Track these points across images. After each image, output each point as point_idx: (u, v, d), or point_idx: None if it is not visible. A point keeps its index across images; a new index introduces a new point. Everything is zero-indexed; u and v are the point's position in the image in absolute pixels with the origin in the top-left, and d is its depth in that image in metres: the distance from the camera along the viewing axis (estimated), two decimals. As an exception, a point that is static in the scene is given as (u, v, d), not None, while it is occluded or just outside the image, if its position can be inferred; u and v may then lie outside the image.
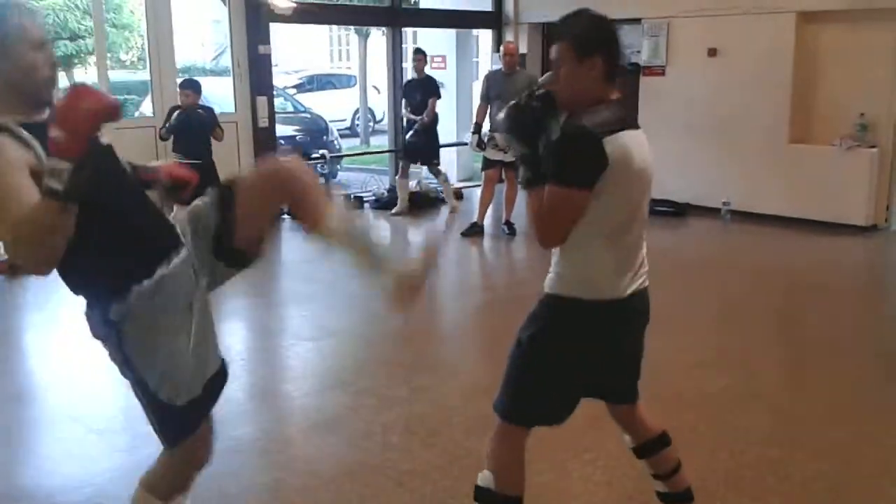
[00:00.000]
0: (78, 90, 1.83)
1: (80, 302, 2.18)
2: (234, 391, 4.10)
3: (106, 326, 2.12)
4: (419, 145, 8.88)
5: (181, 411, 2.16)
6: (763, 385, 4.22)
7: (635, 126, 2.27)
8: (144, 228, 2.20)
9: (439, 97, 8.96)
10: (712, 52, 8.64)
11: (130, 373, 2.16)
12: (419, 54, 9.12)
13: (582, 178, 2.10)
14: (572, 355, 2.28)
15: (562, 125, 2.16)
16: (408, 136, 9.06)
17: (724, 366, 4.44)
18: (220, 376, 2.28)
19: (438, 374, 4.34)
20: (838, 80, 8.00)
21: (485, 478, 2.37)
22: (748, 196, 8.42)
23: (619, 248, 2.25)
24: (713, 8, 8.50)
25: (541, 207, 2.18)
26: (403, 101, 9.21)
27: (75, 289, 2.16)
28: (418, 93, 8.86)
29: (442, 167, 9.30)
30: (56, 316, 5.28)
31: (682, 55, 8.95)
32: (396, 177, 9.26)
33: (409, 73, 10.14)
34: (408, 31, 14.42)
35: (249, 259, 2.38)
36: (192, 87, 7.15)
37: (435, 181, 9.53)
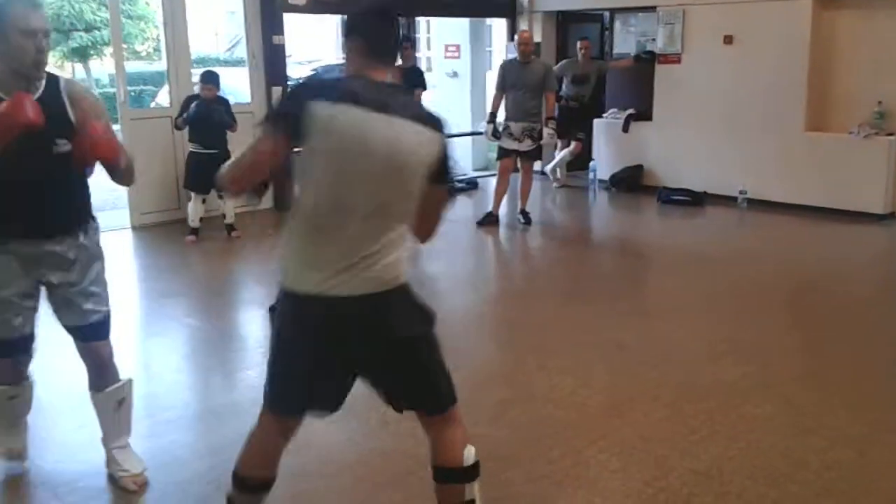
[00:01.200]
0: (14, 98, 2.38)
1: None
2: (252, 378, 4.14)
3: None
4: None
5: None
6: (779, 374, 4.21)
7: (391, 111, 2.08)
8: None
9: (425, 89, 8.43)
10: (728, 40, 8.58)
11: None
12: (406, 42, 8.62)
13: (274, 122, 2.08)
14: (286, 343, 2.29)
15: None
16: None
17: (740, 354, 4.43)
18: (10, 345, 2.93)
19: (452, 362, 4.33)
20: (855, 67, 7.94)
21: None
22: (765, 184, 8.37)
23: (322, 238, 2.11)
24: (729, -5, 8.45)
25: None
26: None
27: None
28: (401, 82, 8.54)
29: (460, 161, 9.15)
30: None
31: (697, 42, 8.89)
32: None
33: (435, 64, 9.89)
34: (421, 21, 14.39)
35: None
36: (213, 80, 7.15)
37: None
